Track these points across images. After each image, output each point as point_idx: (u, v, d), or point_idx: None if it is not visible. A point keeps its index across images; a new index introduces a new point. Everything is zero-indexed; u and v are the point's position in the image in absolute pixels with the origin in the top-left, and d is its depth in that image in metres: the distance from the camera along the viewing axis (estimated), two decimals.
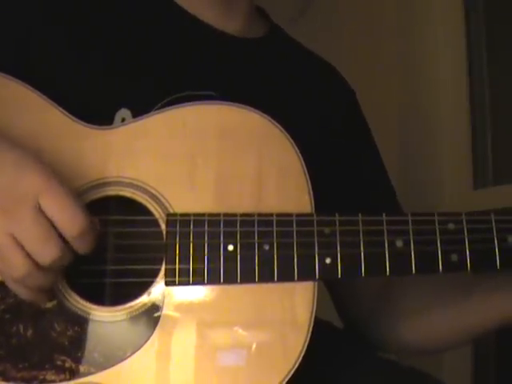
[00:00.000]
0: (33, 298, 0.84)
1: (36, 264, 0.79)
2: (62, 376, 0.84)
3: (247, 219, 0.87)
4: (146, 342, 0.85)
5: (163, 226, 0.88)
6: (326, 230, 0.87)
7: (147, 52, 1.03)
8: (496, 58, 1.84)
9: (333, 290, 1.17)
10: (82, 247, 0.82)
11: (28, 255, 0.78)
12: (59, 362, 0.85)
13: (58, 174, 0.86)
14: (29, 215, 0.78)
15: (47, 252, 0.79)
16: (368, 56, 2.11)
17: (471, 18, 1.88)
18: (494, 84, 1.84)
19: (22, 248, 0.78)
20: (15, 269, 0.79)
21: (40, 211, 0.79)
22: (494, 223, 0.88)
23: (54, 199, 0.79)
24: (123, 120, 0.96)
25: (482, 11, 1.88)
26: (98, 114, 0.94)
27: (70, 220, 0.80)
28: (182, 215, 0.88)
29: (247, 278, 0.86)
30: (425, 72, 1.91)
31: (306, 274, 0.86)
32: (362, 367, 0.99)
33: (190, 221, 0.87)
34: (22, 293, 0.83)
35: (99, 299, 0.88)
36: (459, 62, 1.86)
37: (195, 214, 0.87)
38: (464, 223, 0.88)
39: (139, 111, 0.94)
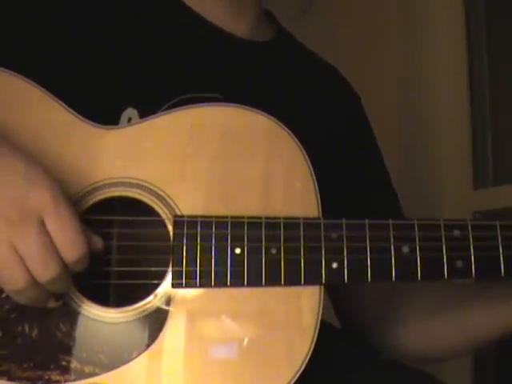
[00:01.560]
0: (33, 304, 0.84)
1: (35, 280, 0.79)
2: (67, 376, 0.84)
3: (254, 222, 0.87)
4: (151, 343, 0.85)
5: (170, 228, 0.88)
6: (333, 235, 0.87)
7: (154, 52, 1.03)
8: (496, 58, 1.84)
9: (335, 296, 1.17)
10: (78, 268, 0.82)
11: (28, 270, 0.78)
12: (64, 363, 0.85)
13: (65, 173, 0.87)
14: (33, 232, 0.78)
15: (46, 271, 0.79)
16: (368, 56, 2.11)
17: (471, 18, 1.88)
18: (493, 84, 1.84)
19: (23, 262, 0.78)
20: (14, 281, 0.79)
21: (44, 229, 0.78)
22: (498, 230, 0.89)
23: (58, 220, 0.79)
24: (129, 119, 0.96)
25: (482, 11, 1.88)
26: (105, 113, 0.93)
27: (71, 244, 0.79)
28: (189, 217, 0.88)
29: (254, 282, 0.86)
30: (425, 72, 1.91)
31: (312, 279, 0.86)
32: (365, 369, 0.99)
33: (197, 223, 0.87)
34: (21, 301, 0.83)
35: (105, 300, 0.88)
36: (459, 62, 1.86)
37: (202, 217, 0.87)
38: (469, 230, 0.88)
39: (146, 111, 0.94)
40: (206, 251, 0.86)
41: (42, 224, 0.78)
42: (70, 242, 0.79)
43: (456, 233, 0.88)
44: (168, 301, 0.86)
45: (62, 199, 0.80)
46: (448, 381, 1.03)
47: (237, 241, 0.87)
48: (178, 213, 0.88)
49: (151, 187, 0.89)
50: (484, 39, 1.87)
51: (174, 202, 0.89)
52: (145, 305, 0.86)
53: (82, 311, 0.86)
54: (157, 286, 0.87)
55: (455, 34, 1.87)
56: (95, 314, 0.86)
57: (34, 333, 0.85)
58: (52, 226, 0.79)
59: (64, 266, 0.80)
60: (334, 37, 2.24)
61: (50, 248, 0.79)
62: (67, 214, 0.80)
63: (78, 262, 0.81)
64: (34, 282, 0.79)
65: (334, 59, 1.26)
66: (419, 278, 0.87)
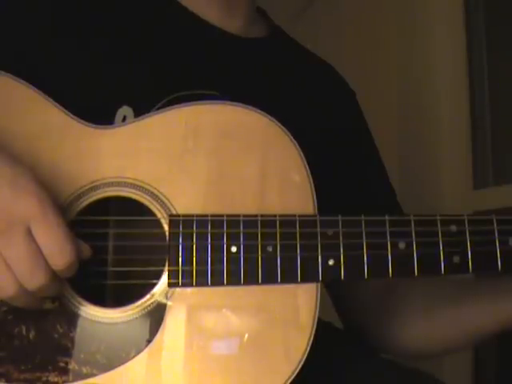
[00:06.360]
0: (28, 308, 0.83)
1: (24, 287, 0.79)
2: (65, 377, 0.84)
3: (250, 220, 0.87)
4: (149, 343, 0.85)
5: (166, 227, 0.87)
6: (329, 232, 0.87)
7: (149, 50, 1.03)
8: (496, 57, 1.84)
9: (334, 293, 1.18)
10: (67, 275, 0.82)
11: (16, 278, 0.78)
12: (62, 364, 0.84)
13: (60, 174, 0.87)
14: (20, 240, 0.77)
15: (34, 280, 0.78)
16: (368, 56, 2.12)
17: (471, 18, 1.88)
18: (493, 84, 1.84)
19: (11, 271, 0.77)
20: (3, 289, 0.78)
21: (31, 237, 0.78)
22: (495, 225, 0.89)
23: (45, 228, 0.78)
24: (124, 118, 0.96)
25: (482, 11, 1.88)
26: (100, 112, 0.93)
27: (58, 253, 0.79)
28: (185, 216, 0.87)
29: (250, 280, 0.86)
30: (425, 72, 1.91)
31: (309, 276, 0.86)
32: (363, 368, 0.99)
33: (192, 222, 0.87)
34: (16, 305, 0.82)
35: (102, 301, 0.87)
36: (459, 62, 1.86)
37: (198, 215, 0.87)
38: (466, 225, 0.88)
39: (141, 109, 0.94)
40: (201, 250, 0.86)
41: (29, 232, 0.78)
42: (58, 250, 0.79)
43: (453, 228, 0.88)
44: (165, 300, 0.86)
45: (49, 207, 0.79)
46: (448, 380, 1.02)
47: (233, 239, 0.86)
48: (174, 212, 0.88)
49: (146, 187, 0.89)
50: (484, 39, 1.87)
51: (169, 202, 0.88)
52: (142, 304, 0.86)
53: (79, 312, 0.86)
54: (153, 285, 0.87)
55: (455, 34, 1.87)
56: (92, 315, 0.86)
57: (32, 334, 0.85)
58: (39, 234, 0.78)
59: (52, 273, 0.79)
60: (333, 35, 2.25)
61: (37, 256, 0.78)
62: (55, 222, 0.79)
63: (67, 269, 0.80)
64: (23, 289, 0.78)
65: (333, 57, 1.26)
66: (416, 273, 0.87)
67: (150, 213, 0.88)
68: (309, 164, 0.90)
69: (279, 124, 0.91)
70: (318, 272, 0.86)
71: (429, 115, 1.87)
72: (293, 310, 0.86)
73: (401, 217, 0.89)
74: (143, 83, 0.99)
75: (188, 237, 0.87)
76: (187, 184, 0.89)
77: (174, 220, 0.87)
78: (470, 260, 0.87)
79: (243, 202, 0.89)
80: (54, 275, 0.80)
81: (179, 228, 0.87)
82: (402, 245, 0.87)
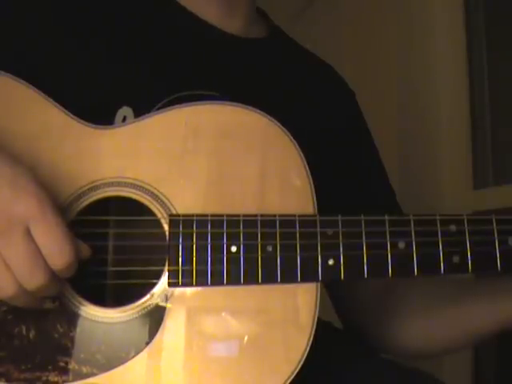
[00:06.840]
0: (28, 307, 0.83)
1: (23, 287, 0.78)
2: (65, 377, 0.84)
3: (250, 220, 0.87)
4: (149, 343, 0.85)
5: (166, 227, 0.87)
6: (329, 232, 0.87)
7: (149, 51, 1.03)
8: (496, 57, 1.84)
9: (333, 293, 1.18)
10: (66, 275, 0.82)
11: (15, 278, 0.78)
12: (62, 364, 0.84)
13: (60, 175, 0.87)
14: (19, 241, 0.77)
15: (33, 280, 0.78)
16: (368, 56, 2.12)
17: (471, 18, 1.88)
18: (493, 84, 1.84)
19: (11, 271, 0.77)
20: (3, 289, 0.78)
21: (30, 237, 0.78)
22: (494, 224, 0.89)
23: (44, 229, 0.78)
24: (124, 118, 0.96)
25: (482, 11, 1.88)
26: (100, 112, 0.93)
27: (58, 253, 0.79)
28: (185, 216, 0.87)
29: (250, 280, 0.86)
30: (425, 72, 1.91)
31: (308, 276, 0.86)
32: (363, 368, 0.99)
33: (192, 221, 0.87)
34: (16, 304, 0.82)
35: (101, 300, 0.87)
36: (459, 62, 1.86)
37: (198, 215, 0.87)
38: (465, 225, 0.88)
39: (141, 109, 0.94)
40: (201, 250, 0.86)
41: (28, 232, 0.78)
42: (57, 250, 0.79)
43: (452, 228, 0.88)
44: (165, 299, 0.86)
45: (49, 207, 0.79)
46: (448, 380, 1.02)
47: (233, 239, 0.86)
48: (174, 212, 0.88)
49: (146, 187, 0.89)
50: (484, 39, 1.87)
51: (169, 201, 0.88)
52: (142, 304, 0.86)
53: (79, 312, 0.86)
54: (153, 285, 0.87)
55: (455, 34, 1.87)
56: (92, 315, 0.86)
57: (32, 334, 0.85)
58: (38, 234, 0.78)
59: (51, 273, 0.79)
60: (333, 35, 2.25)
61: (37, 256, 0.78)
62: (54, 222, 0.79)
63: (66, 269, 0.80)
64: (22, 289, 0.78)
65: (332, 57, 1.26)
66: (416, 273, 0.87)
67: (150, 213, 0.88)
68: (309, 164, 0.90)
69: (279, 124, 0.91)
70: (318, 272, 0.86)
71: (429, 115, 1.87)
72: (293, 310, 0.86)
73: (400, 217, 0.90)
74: (143, 83, 0.99)
75: (188, 237, 0.87)
76: (187, 184, 0.89)
77: (174, 220, 0.87)
78: (470, 260, 0.87)
79: (243, 201, 0.89)
80: (54, 275, 0.80)
81: (179, 228, 0.87)
82: (401, 244, 0.87)
